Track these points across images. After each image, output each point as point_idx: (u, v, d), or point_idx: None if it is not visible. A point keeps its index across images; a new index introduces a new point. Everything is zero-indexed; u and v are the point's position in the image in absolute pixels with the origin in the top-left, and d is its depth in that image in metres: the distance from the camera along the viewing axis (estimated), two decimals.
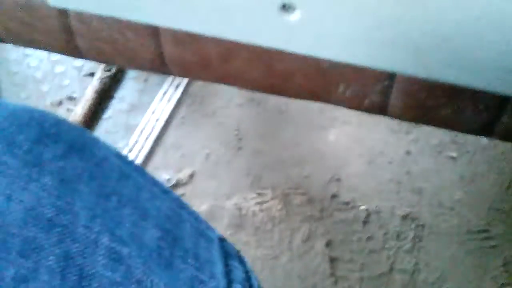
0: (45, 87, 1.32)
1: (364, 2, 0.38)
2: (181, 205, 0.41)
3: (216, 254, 0.40)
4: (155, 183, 0.41)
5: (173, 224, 0.38)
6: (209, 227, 0.42)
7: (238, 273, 0.40)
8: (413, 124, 1.19)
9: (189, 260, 0.37)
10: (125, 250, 0.34)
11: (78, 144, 0.37)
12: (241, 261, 0.43)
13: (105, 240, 0.34)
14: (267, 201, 1.10)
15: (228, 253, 0.42)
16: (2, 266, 0.31)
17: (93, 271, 0.33)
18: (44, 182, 0.34)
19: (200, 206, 1.10)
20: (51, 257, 0.32)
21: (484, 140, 1.20)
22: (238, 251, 0.44)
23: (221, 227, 1.07)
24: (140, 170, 0.40)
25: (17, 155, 0.34)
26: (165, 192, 0.41)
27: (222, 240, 0.42)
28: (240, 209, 1.09)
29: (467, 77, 0.42)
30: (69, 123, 0.38)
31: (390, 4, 0.38)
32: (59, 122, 0.37)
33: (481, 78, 0.41)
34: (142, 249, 0.35)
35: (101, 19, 0.51)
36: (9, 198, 0.32)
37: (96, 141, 0.39)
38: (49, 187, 0.34)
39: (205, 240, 0.40)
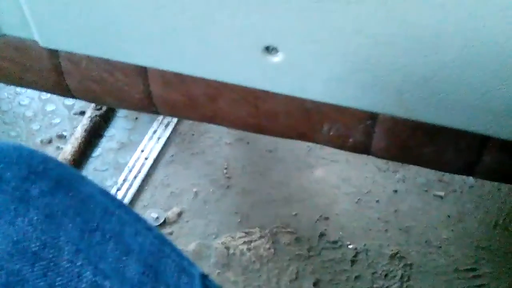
0: (35, 126, 1.32)
1: (344, 46, 0.40)
2: (164, 242, 0.42)
3: None
4: (138, 219, 0.41)
5: (155, 260, 0.39)
6: (191, 263, 0.43)
7: None
8: (400, 163, 1.19)
9: None
10: (107, 284, 0.35)
11: (64, 181, 0.38)
12: None
13: (88, 273, 0.35)
14: (255, 240, 1.10)
15: None
16: None
17: None
18: (30, 217, 0.35)
19: (188, 245, 1.09)
20: None
21: (470, 179, 1.21)
22: (220, 287, 0.44)
23: (209, 266, 1.07)
24: (124, 207, 0.41)
25: (5, 191, 0.35)
26: (148, 228, 0.41)
27: (204, 276, 0.43)
28: (228, 248, 1.08)
29: (447, 117, 0.43)
30: (56, 161, 0.40)
31: (370, 47, 0.39)
32: (47, 160, 0.39)
33: (461, 118, 0.42)
34: (124, 283, 0.36)
35: (91, 59, 0.52)
36: None
37: (81, 178, 0.40)
38: (35, 222, 0.35)
39: (186, 276, 0.41)
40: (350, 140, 0.50)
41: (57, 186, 0.37)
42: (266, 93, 0.48)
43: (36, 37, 0.50)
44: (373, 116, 0.47)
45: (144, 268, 0.37)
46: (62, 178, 0.38)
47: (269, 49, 0.42)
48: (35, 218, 0.35)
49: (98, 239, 0.37)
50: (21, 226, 0.34)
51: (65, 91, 0.57)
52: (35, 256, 0.34)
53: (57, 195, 0.37)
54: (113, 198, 0.41)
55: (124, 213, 0.40)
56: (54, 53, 0.53)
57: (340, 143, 0.51)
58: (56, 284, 0.33)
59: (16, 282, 0.32)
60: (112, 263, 0.36)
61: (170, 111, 0.55)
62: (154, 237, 0.41)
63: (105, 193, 0.41)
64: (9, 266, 0.33)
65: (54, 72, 0.55)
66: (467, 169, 0.49)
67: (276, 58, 0.43)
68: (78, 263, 0.35)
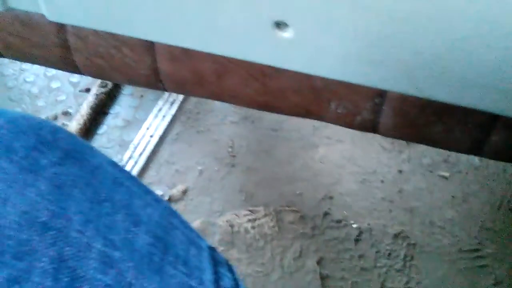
0: (41, 102, 1.32)
1: (355, 22, 0.39)
2: (173, 214, 0.42)
3: (205, 261, 0.41)
4: (147, 191, 0.41)
5: (164, 231, 0.39)
6: (199, 236, 0.43)
7: (227, 281, 0.41)
8: (405, 143, 1.19)
9: (179, 266, 0.38)
10: (116, 254, 0.35)
11: (74, 151, 0.38)
12: (230, 270, 0.43)
13: (97, 244, 0.34)
14: (259, 218, 1.10)
15: (218, 261, 0.42)
16: None
17: (85, 273, 0.33)
18: (39, 187, 0.34)
19: (193, 222, 1.10)
20: (44, 259, 0.32)
21: (476, 160, 1.21)
22: (227, 260, 0.44)
23: (213, 244, 1.07)
24: (133, 178, 0.41)
25: (14, 161, 0.35)
26: (157, 200, 0.41)
27: (212, 249, 0.43)
28: (232, 226, 1.09)
29: (457, 95, 0.43)
30: (65, 131, 0.39)
31: (381, 23, 0.39)
32: (56, 130, 0.38)
33: (471, 96, 0.42)
34: (133, 254, 0.36)
35: (98, 34, 0.52)
36: (5, 202, 0.33)
37: (91, 149, 0.40)
38: (44, 192, 0.34)
39: (195, 248, 0.41)
40: (358, 118, 0.50)
41: (66, 157, 0.37)
42: (274, 70, 0.47)
43: (44, 10, 0.50)
44: (381, 94, 0.47)
45: (153, 239, 0.37)
46: (71, 149, 0.38)
47: (279, 25, 0.42)
48: (44, 188, 0.35)
49: (108, 210, 0.36)
50: (30, 196, 0.34)
51: (71, 67, 0.57)
52: (44, 226, 0.33)
53: (66, 165, 0.37)
54: (122, 170, 0.41)
55: (133, 184, 0.40)
56: (61, 28, 0.53)
57: (348, 121, 0.50)
58: (65, 254, 0.33)
59: (25, 251, 0.32)
60: (121, 234, 0.36)
61: (177, 88, 0.55)
62: (163, 209, 0.41)
63: (114, 164, 0.40)
64: (18, 235, 0.32)
65: (61, 48, 0.55)
66: (475, 149, 0.49)
67: (286, 34, 0.42)
68: (88, 234, 0.34)
